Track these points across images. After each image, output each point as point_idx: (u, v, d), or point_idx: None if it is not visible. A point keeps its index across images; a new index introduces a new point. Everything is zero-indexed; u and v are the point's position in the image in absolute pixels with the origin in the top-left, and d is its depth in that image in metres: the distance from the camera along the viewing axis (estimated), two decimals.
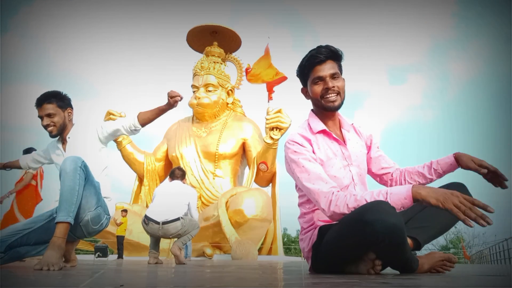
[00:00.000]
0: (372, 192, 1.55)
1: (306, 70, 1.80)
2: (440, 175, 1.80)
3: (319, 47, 1.77)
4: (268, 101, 11.81)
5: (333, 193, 1.58)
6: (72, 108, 2.63)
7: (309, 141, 1.75)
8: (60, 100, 2.55)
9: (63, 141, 2.62)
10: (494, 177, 1.67)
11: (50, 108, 2.50)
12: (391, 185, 1.92)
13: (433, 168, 1.82)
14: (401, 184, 1.88)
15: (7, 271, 1.78)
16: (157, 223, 4.19)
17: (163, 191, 4.52)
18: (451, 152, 1.80)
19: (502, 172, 1.64)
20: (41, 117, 2.51)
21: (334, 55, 1.77)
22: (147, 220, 4.26)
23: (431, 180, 1.82)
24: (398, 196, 1.48)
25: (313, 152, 1.74)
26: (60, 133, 2.58)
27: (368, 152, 1.95)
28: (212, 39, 13.77)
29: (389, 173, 1.95)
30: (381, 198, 1.50)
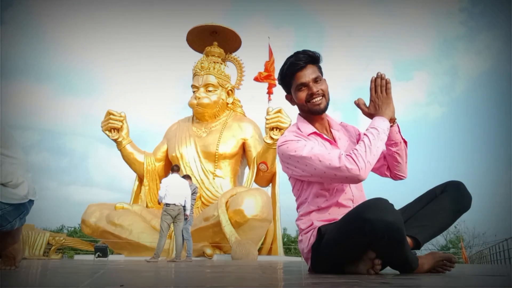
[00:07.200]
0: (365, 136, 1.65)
1: (288, 78, 1.80)
2: (392, 145, 1.84)
3: (297, 54, 1.77)
4: (269, 99, 11.98)
5: (342, 154, 1.61)
6: None
7: (304, 138, 1.76)
8: None
9: None
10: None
11: None
12: (388, 171, 1.94)
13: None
14: (391, 164, 1.90)
15: (7, 271, 1.78)
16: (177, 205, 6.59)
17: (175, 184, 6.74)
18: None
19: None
20: None
21: (313, 59, 1.77)
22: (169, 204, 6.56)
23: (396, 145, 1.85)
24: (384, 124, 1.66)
25: None
26: None
27: None
28: (212, 39, 13.76)
29: (385, 164, 1.94)
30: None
